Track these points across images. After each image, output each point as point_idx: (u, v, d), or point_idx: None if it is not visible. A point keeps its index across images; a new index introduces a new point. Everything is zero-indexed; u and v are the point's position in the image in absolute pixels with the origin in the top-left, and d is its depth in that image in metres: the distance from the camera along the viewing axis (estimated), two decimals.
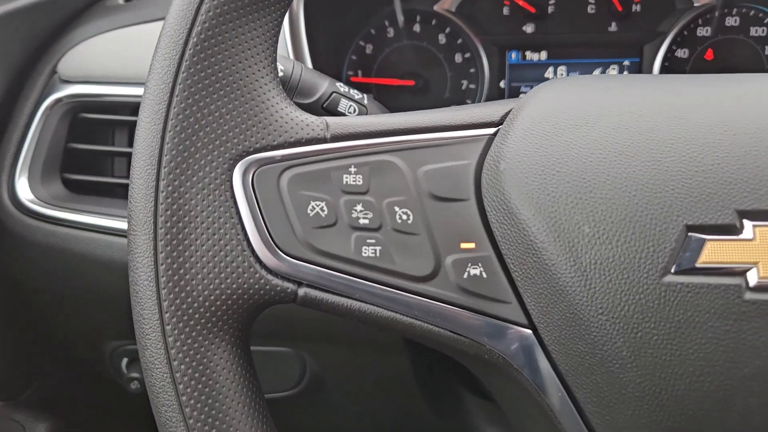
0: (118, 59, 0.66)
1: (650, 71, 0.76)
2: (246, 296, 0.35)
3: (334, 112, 0.52)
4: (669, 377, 0.32)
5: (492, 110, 0.38)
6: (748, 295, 0.31)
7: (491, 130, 0.37)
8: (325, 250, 0.35)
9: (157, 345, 0.34)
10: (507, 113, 0.38)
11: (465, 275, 0.35)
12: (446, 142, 0.37)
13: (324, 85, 0.52)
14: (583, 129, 0.35)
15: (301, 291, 0.35)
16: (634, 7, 0.76)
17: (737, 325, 0.31)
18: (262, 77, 0.36)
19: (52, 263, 0.66)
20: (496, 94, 0.78)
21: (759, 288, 0.31)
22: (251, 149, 0.35)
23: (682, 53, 0.76)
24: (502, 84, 0.78)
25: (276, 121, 0.35)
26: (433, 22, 0.77)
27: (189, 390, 0.34)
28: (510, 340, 0.35)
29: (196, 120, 0.34)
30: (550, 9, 0.76)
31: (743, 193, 0.32)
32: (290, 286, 0.35)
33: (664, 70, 0.76)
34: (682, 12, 0.75)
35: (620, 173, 0.33)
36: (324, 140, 0.36)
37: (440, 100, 0.78)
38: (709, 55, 0.76)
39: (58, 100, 0.67)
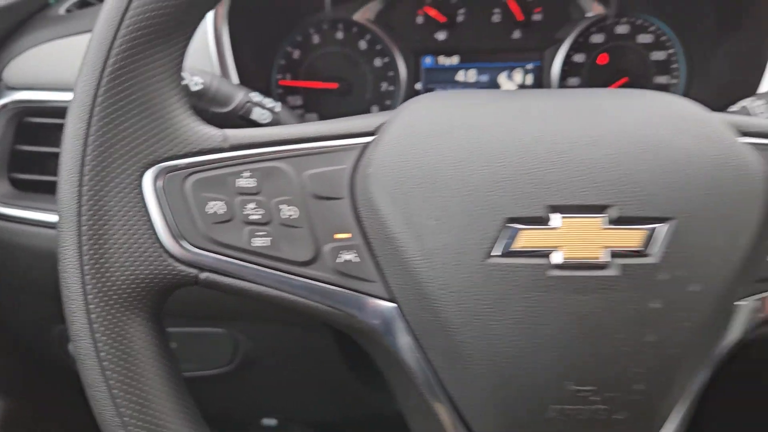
0: (59, 67, 0.72)
1: (550, 74, 0.84)
2: (156, 280, 0.42)
3: (248, 119, 0.59)
4: (492, 338, 0.40)
5: (370, 121, 0.46)
6: (553, 272, 0.39)
7: (368, 139, 0.45)
8: (223, 241, 0.42)
9: (83, 321, 0.41)
10: (382, 124, 0.45)
11: (340, 260, 0.43)
12: (328, 150, 0.44)
13: (239, 95, 0.59)
14: (436, 139, 0.43)
15: (203, 275, 0.43)
16: (534, 17, 0.84)
17: (543, 296, 0.39)
18: (170, 97, 0.43)
19: (1, 257, 0.73)
20: (413, 95, 0.86)
21: (561, 266, 0.39)
22: (160, 158, 0.42)
23: (579, 58, 0.84)
24: (418, 86, 0.86)
25: (181, 134, 0.43)
26: (354, 30, 0.84)
27: (110, 356, 0.41)
28: (377, 312, 0.43)
29: (113, 135, 0.41)
30: (460, 18, 0.84)
31: (553, 191, 0.40)
32: (193, 271, 0.42)
33: (563, 72, 0.84)
34: (577, 21, 0.83)
35: (459, 177, 0.41)
36: (222, 150, 0.43)
37: (362, 101, 0.86)
38: (602, 59, 0.84)
39: (4, 106, 0.72)
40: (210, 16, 0.69)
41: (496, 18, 0.84)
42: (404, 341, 0.43)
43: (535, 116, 0.43)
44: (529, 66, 0.85)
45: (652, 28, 0.83)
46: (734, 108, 0.61)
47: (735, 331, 0.43)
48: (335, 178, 0.44)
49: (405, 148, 0.43)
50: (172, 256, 0.42)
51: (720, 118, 0.45)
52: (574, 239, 0.40)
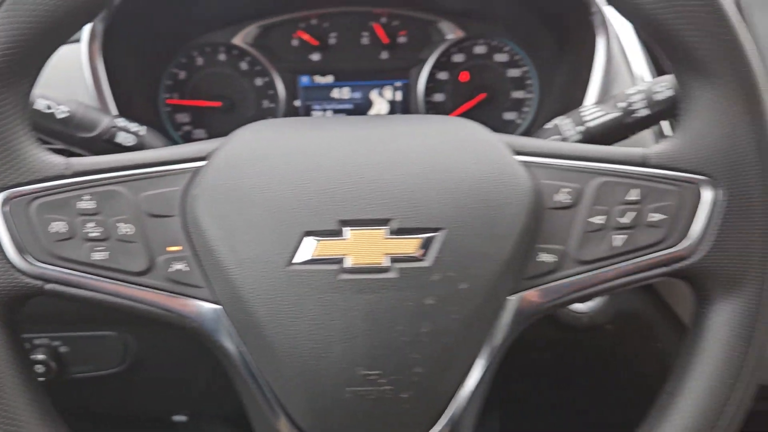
0: None
1: (416, 90, 0.92)
2: (5, 291, 0.48)
3: (113, 143, 0.65)
4: (295, 333, 0.47)
5: (203, 147, 0.52)
6: (343, 276, 0.47)
7: (201, 164, 0.52)
8: (65, 256, 0.49)
9: None
10: (213, 150, 0.52)
11: (172, 269, 0.50)
12: (162, 174, 0.51)
13: (105, 121, 0.65)
14: (253, 164, 0.50)
15: (48, 286, 0.49)
16: (399, 39, 0.92)
17: (335, 296, 0.47)
18: (17, 131, 0.49)
19: None
20: (293, 112, 0.93)
21: (349, 271, 0.47)
22: (6, 186, 0.48)
23: (442, 76, 0.93)
24: (297, 103, 0.93)
25: (26, 164, 0.49)
26: (235, 52, 0.91)
27: None
28: (205, 314, 0.50)
29: None
30: (332, 41, 0.91)
31: (344, 208, 0.48)
32: (38, 282, 0.49)
33: (429, 89, 0.93)
34: (438, 43, 0.92)
35: (268, 197, 0.48)
36: (64, 176, 0.49)
37: (245, 118, 0.92)
38: (464, 77, 0.93)
39: None
40: (84, 48, 0.75)
41: (365, 41, 0.91)
42: (229, 339, 0.50)
43: (337, 143, 0.51)
44: (398, 84, 0.93)
45: (506, 49, 0.92)
46: (548, 125, 0.70)
47: (506, 322, 0.51)
48: (168, 198, 0.50)
49: (226, 172, 0.50)
50: (18, 270, 0.48)
51: (499, 138, 0.53)
52: (361, 248, 0.47)
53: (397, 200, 0.48)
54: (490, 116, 0.94)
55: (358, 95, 0.93)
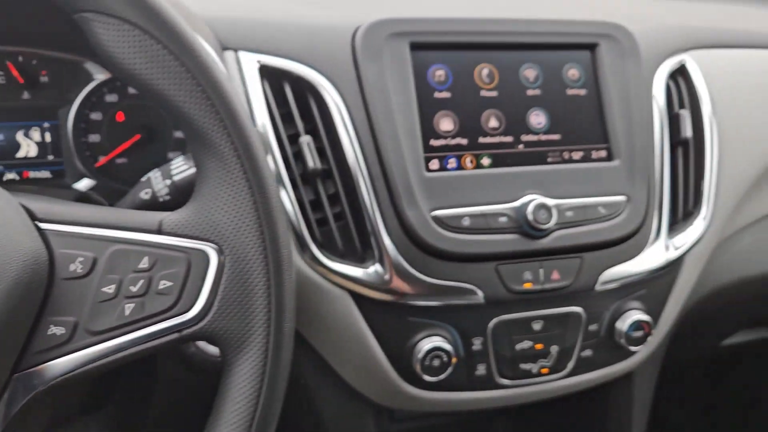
0: None
1: (66, 131, 0.89)
2: None
3: None
4: None
5: None
6: None
7: None
8: None
9: None
10: None
11: None
12: None
13: None
14: None
15: None
16: (41, 79, 0.88)
17: None
18: None
19: None
20: None
21: None
22: None
23: (96, 116, 0.90)
24: None
25: None
26: None
27: None
28: None
29: None
30: None
31: None
32: None
33: (82, 130, 0.89)
34: (85, 82, 0.89)
35: None
36: None
37: None
38: (120, 117, 0.91)
39: None
40: None
41: (1, 80, 0.87)
42: None
43: None
44: (47, 125, 0.89)
45: None
46: (144, 178, 0.70)
47: (9, 402, 0.49)
48: None
49: None
50: None
51: (18, 204, 0.52)
52: None
53: None
54: (155, 157, 0.92)
55: (1, 137, 0.88)
